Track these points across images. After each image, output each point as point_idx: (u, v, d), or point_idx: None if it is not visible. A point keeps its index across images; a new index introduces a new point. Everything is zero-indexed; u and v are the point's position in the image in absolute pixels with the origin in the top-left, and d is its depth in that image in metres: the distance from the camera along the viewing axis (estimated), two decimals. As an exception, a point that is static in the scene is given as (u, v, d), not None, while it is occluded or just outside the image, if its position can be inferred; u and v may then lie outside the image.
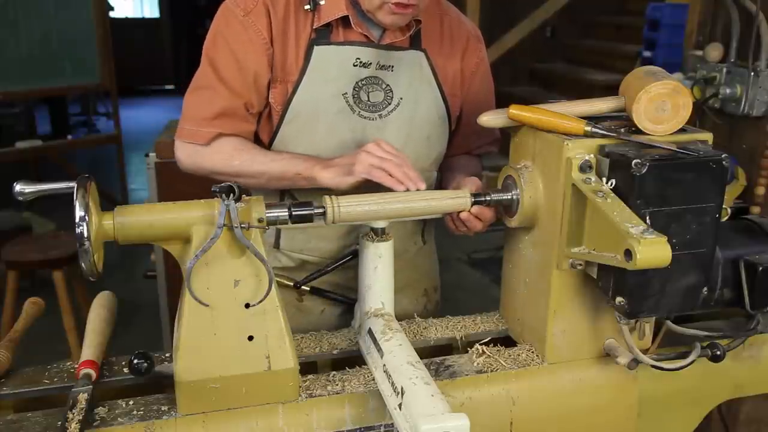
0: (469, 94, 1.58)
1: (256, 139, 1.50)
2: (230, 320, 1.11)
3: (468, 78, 1.57)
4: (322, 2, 1.40)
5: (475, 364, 1.27)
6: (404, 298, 1.62)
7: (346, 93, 1.42)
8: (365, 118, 1.44)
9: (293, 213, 1.17)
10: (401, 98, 1.46)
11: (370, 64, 1.42)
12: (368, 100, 1.44)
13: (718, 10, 1.95)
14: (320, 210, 1.19)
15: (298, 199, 1.48)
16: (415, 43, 1.47)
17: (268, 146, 1.47)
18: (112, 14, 7.70)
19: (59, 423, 1.06)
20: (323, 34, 1.41)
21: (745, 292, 1.26)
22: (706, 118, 1.95)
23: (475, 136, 1.62)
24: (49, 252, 3.11)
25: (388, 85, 1.45)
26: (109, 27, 5.31)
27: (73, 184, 1.06)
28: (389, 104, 1.45)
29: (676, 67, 2.10)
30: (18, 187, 1.10)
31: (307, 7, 1.40)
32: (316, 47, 1.40)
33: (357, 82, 1.42)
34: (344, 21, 1.41)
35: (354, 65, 1.41)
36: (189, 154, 1.46)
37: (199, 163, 1.45)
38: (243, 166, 1.41)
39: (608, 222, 1.07)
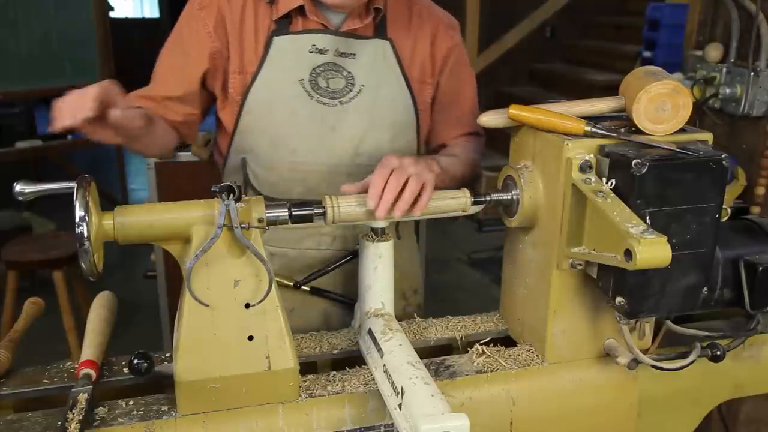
0: (442, 81, 1.57)
1: (222, 130, 1.54)
2: (230, 320, 1.11)
3: (440, 65, 1.56)
4: None
5: (475, 364, 1.27)
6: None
7: (302, 79, 1.44)
8: (324, 104, 1.45)
9: (293, 213, 1.18)
10: (363, 85, 1.47)
11: (327, 50, 1.44)
12: (327, 87, 1.45)
13: (718, 10, 1.95)
14: (320, 210, 1.20)
15: (255, 184, 1.51)
16: (380, 31, 1.48)
17: (232, 134, 1.50)
18: (112, 14, 7.68)
19: (59, 423, 1.06)
20: (283, 25, 1.44)
21: (745, 292, 1.26)
22: (706, 118, 1.95)
23: (456, 124, 1.62)
24: (49, 252, 3.11)
25: (349, 72, 1.46)
26: (109, 27, 5.31)
27: (73, 184, 1.06)
28: (350, 91, 1.46)
29: (676, 67, 2.10)
30: (18, 187, 1.10)
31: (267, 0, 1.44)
32: (275, 38, 1.43)
33: (314, 69, 1.44)
34: (302, 11, 1.44)
35: (310, 52, 1.44)
36: None
37: None
38: None
39: (608, 222, 1.07)
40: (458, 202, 1.27)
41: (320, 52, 1.44)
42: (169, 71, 1.48)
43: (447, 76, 1.58)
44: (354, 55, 1.46)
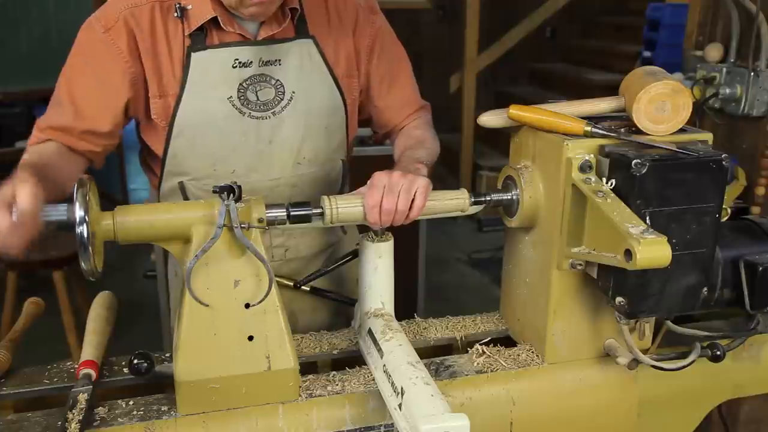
0: (373, 70, 1.53)
1: (150, 153, 1.46)
2: (230, 320, 1.11)
3: (366, 53, 1.51)
4: (189, 7, 1.33)
5: (475, 364, 1.27)
6: (329, 304, 1.60)
7: (231, 97, 1.36)
8: (257, 118, 1.39)
9: (291, 213, 1.17)
10: (294, 92, 1.41)
11: (251, 62, 1.37)
12: (258, 100, 1.38)
13: (718, 10, 1.95)
14: (318, 210, 1.19)
15: (189, 196, 1.43)
16: (301, 31, 1.41)
17: (162, 160, 1.42)
18: (112, 14, 7.67)
19: (59, 423, 1.06)
20: (198, 40, 1.35)
21: (745, 292, 1.26)
22: (706, 118, 1.95)
23: (404, 105, 1.58)
24: (49, 252, 3.11)
25: (278, 80, 1.39)
26: (109, 27, 5.30)
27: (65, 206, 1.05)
28: (282, 100, 1.40)
29: (676, 67, 2.10)
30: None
31: (175, 15, 1.34)
32: (193, 55, 1.34)
33: (241, 84, 1.37)
34: (216, 23, 1.34)
35: (233, 67, 1.36)
36: None
37: None
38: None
39: (608, 222, 1.07)
40: (457, 203, 1.27)
41: (244, 65, 1.36)
42: (88, 103, 1.36)
43: (377, 63, 1.52)
44: (279, 61, 1.39)
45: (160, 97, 1.37)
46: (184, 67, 1.35)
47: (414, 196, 1.20)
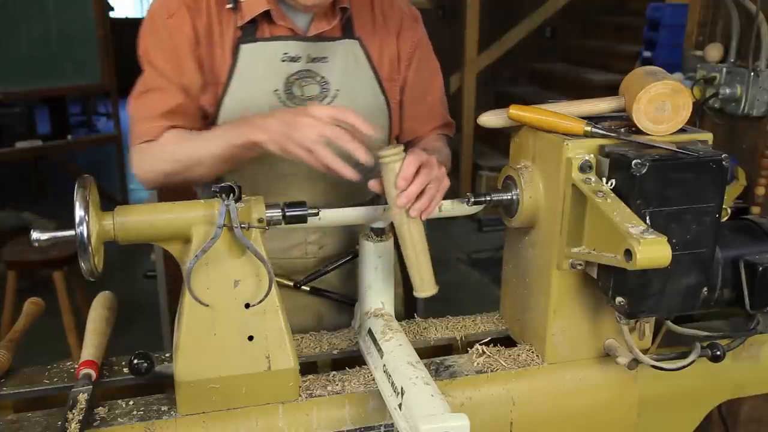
0: (410, 76, 1.54)
1: None
2: (230, 320, 1.11)
3: (406, 59, 1.52)
4: None
5: (475, 364, 1.27)
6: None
7: (277, 90, 1.39)
8: None
9: (287, 213, 1.17)
10: (338, 90, 1.43)
11: (300, 58, 1.39)
12: (302, 95, 1.40)
13: (718, 10, 1.95)
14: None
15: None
16: (347, 31, 1.44)
17: None
18: (112, 14, 7.70)
19: (59, 423, 1.06)
20: (249, 32, 1.38)
21: (745, 292, 1.26)
22: (706, 118, 1.95)
23: (429, 118, 1.59)
24: (49, 252, 3.11)
25: (323, 77, 1.42)
26: (109, 27, 5.31)
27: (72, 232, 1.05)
28: (326, 97, 1.42)
29: (676, 67, 2.10)
30: (34, 235, 1.07)
31: (229, 5, 1.37)
32: (242, 46, 1.37)
33: (288, 78, 1.39)
34: (268, 16, 1.37)
35: (282, 61, 1.38)
36: (143, 160, 1.41)
37: (154, 164, 1.39)
38: (187, 155, 1.35)
39: (608, 222, 1.07)
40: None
41: (293, 60, 1.39)
42: (183, 75, 1.38)
43: (414, 70, 1.54)
44: (326, 58, 1.41)
45: (210, 84, 1.40)
46: (233, 57, 1.37)
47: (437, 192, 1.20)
